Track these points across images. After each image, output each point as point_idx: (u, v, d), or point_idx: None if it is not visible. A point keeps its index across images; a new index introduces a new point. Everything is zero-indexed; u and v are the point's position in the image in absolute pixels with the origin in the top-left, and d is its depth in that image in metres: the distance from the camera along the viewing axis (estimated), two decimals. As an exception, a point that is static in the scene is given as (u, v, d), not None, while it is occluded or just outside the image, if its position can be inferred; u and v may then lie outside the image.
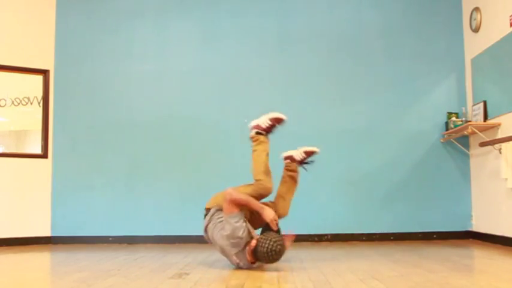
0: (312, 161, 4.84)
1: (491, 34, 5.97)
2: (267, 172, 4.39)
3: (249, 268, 4.12)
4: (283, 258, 4.84)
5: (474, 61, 6.41)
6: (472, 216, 6.50)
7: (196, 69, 6.72)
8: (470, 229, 6.50)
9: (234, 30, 6.80)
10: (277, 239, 3.90)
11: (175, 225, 6.48)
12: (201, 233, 6.36)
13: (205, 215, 4.36)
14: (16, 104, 6.62)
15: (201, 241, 6.42)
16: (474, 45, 6.42)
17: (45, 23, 6.74)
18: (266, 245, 3.86)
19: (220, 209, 4.25)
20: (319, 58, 6.76)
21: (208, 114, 6.65)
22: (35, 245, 6.35)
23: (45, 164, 6.60)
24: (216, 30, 6.80)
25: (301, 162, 4.83)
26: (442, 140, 6.59)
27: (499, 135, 5.70)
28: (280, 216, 4.47)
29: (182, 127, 6.67)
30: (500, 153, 5.61)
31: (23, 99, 6.62)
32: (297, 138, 6.56)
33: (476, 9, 6.30)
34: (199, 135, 6.65)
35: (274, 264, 4.35)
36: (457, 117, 6.49)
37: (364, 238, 6.48)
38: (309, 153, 4.82)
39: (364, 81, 6.72)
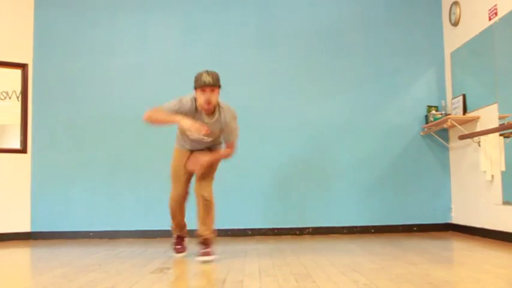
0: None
1: (470, 28, 6.01)
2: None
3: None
4: (265, 251, 4.85)
5: (453, 55, 6.46)
6: (451, 208, 6.57)
7: (176, 63, 6.69)
8: (449, 221, 6.56)
9: (215, 24, 6.77)
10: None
11: (156, 220, 6.45)
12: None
13: None
14: (-6, 98, 6.54)
15: (182, 235, 6.42)
16: (453, 39, 6.46)
17: (23, 16, 6.65)
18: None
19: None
20: (299, 52, 6.76)
21: (189, 108, 6.62)
22: (15, 241, 6.29)
23: (25, 159, 6.52)
24: (197, 24, 6.77)
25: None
26: (422, 133, 6.64)
27: (478, 128, 5.76)
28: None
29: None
30: (479, 146, 5.67)
31: (1, 93, 6.53)
32: (277, 132, 6.59)
33: (456, 3, 6.35)
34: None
35: (256, 258, 4.36)
36: (436, 111, 6.54)
37: (345, 231, 6.51)
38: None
39: (344, 75, 6.74)
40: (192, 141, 4.40)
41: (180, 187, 4.57)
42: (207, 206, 4.40)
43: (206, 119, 4.22)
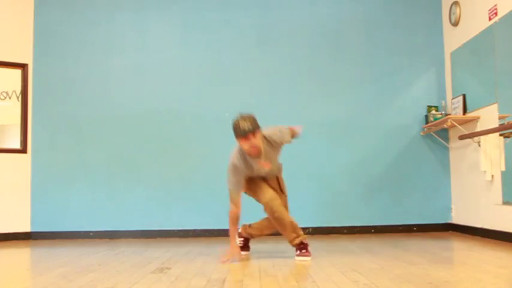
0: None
1: (470, 28, 6.01)
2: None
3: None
4: (265, 251, 4.85)
5: (454, 55, 6.46)
6: (451, 208, 6.57)
7: (176, 63, 6.69)
8: (450, 221, 6.56)
9: (215, 24, 6.77)
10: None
11: (156, 220, 6.46)
12: (182, 227, 6.37)
13: None
14: (-6, 98, 6.54)
15: (182, 235, 6.42)
16: (453, 39, 6.46)
17: (23, 17, 6.65)
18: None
19: None
20: (300, 52, 6.75)
21: (188, 107, 6.63)
22: (15, 241, 6.29)
23: (25, 159, 6.52)
24: (196, 23, 6.77)
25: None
26: (422, 133, 6.64)
27: (478, 128, 5.76)
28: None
29: (163, 121, 6.63)
30: (479, 146, 5.67)
31: (1, 93, 6.53)
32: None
33: (456, 3, 6.35)
34: (180, 129, 6.62)
35: (256, 258, 4.35)
36: (436, 111, 6.54)
37: (345, 231, 6.51)
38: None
39: (345, 74, 6.74)
40: (256, 172, 4.42)
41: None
42: (278, 224, 4.43)
43: (261, 158, 4.27)
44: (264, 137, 4.27)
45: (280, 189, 4.64)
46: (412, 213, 6.57)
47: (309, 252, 4.38)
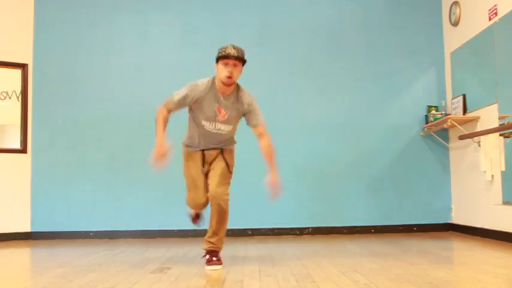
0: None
1: (470, 28, 6.01)
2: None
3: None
4: (265, 251, 4.85)
5: (454, 55, 6.46)
6: (451, 208, 6.57)
7: (176, 63, 6.68)
8: (450, 221, 6.56)
9: (214, 23, 6.76)
10: None
11: (156, 220, 6.46)
12: (182, 227, 6.36)
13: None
14: (-6, 98, 6.54)
15: (182, 235, 6.42)
16: (454, 39, 6.46)
17: (23, 17, 6.64)
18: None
19: None
20: (300, 52, 6.75)
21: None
22: (14, 241, 6.28)
23: (25, 159, 6.52)
24: (196, 23, 6.77)
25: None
26: (422, 133, 6.64)
27: (478, 128, 5.76)
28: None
29: (163, 121, 6.61)
30: (479, 146, 5.67)
31: (1, 93, 6.52)
32: (277, 132, 6.58)
33: (456, 3, 6.35)
34: (180, 129, 6.60)
35: (256, 258, 4.35)
36: (436, 111, 6.54)
37: (345, 231, 6.51)
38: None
39: (345, 75, 6.74)
40: (206, 135, 4.08)
41: (200, 196, 4.11)
42: (222, 216, 3.96)
43: (223, 101, 3.97)
44: (239, 88, 4.08)
45: (225, 172, 4.10)
46: (412, 213, 6.57)
47: (220, 261, 3.98)
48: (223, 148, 4.17)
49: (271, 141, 4.10)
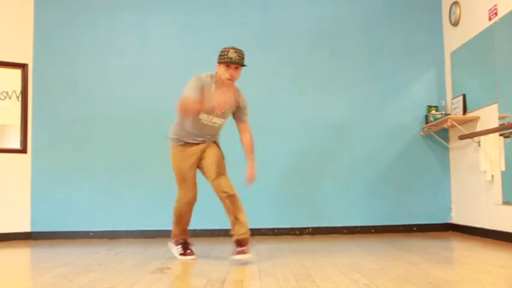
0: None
1: (470, 28, 6.01)
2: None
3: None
4: (265, 251, 4.84)
5: (454, 55, 6.46)
6: (451, 208, 6.57)
7: (176, 63, 6.68)
8: (449, 221, 6.56)
9: (214, 23, 6.76)
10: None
11: (156, 220, 6.45)
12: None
13: None
14: (-6, 98, 6.54)
15: (182, 235, 6.41)
16: (453, 38, 6.46)
17: (23, 17, 6.65)
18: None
19: None
20: (300, 52, 6.75)
21: (189, 108, 6.62)
22: (14, 241, 6.28)
23: (25, 159, 6.52)
24: (197, 23, 6.77)
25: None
26: (422, 133, 6.64)
27: (478, 128, 5.76)
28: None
29: (163, 121, 6.58)
30: (479, 146, 5.67)
31: (1, 93, 6.53)
32: (277, 132, 6.59)
33: (456, 3, 6.35)
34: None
35: (256, 258, 4.35)
36: (436, 111, 6.54)
37: (345, 231, 6.51)
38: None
39: (344, 74, 6.74)
40: (200, 128, 4.33)
41: (191, 190, 4.43)
42: (234, 202, 4.28)
43: (223, 96, 4.22)
44: (236, 87, 4.38)
45: (221, 160, 4.42)
46: (412, 213, 6.57)
47: (248, 251, 4.17)
48: (213, 140, 4.50)
49: (251, 136, 4.44)
